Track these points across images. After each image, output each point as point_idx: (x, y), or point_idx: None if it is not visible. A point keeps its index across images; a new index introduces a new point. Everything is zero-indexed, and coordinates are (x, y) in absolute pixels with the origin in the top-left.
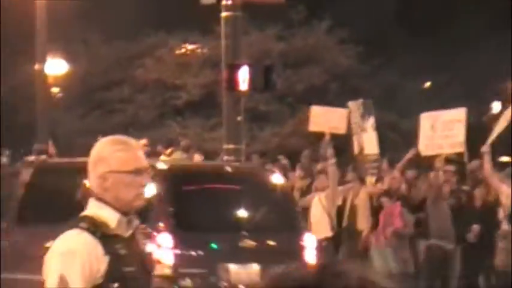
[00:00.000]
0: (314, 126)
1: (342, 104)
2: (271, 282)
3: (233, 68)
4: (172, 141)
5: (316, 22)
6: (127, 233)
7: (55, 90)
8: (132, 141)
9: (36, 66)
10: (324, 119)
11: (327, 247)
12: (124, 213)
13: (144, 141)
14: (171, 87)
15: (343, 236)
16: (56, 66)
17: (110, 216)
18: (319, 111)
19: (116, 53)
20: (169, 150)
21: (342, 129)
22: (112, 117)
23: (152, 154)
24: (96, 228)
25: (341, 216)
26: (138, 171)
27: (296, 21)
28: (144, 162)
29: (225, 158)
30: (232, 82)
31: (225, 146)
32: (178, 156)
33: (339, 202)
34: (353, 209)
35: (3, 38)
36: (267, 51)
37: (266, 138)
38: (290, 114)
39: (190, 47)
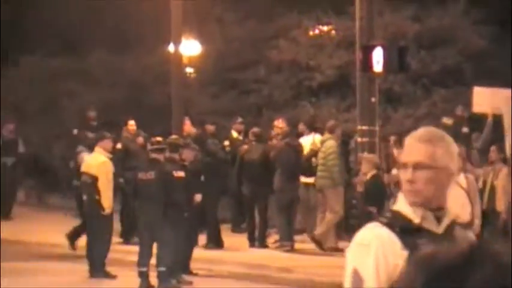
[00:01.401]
0: (477, 107)
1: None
2: (421, 261)
3: (367, 49)
4: (307, 121)
5: (451, 2)
6: (438, 229)
7: (189, 70)
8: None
9: (171, 47)
10: (487, 99)
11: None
12: (430, 209)
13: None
14: (305, 68)
15: (483, 218)
16: (190, 47)
17: (411, 211)
18: (482, 91)
19: (250, 34)
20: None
21: (506, 111)
22: (246, 97)
23: (294, 134)
24: (396, 222)
25: (481, 198)
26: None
27: (431, 2)
28: (408, 155)
29: (359, 139)
30: (367, 63)
31: (359, 127)
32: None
33: (480, 184)
34: (493, 190)
35: (138, 20)
36: (401, 32)
37: (400, 120)
38: (424, 96)
39: (324, 28)
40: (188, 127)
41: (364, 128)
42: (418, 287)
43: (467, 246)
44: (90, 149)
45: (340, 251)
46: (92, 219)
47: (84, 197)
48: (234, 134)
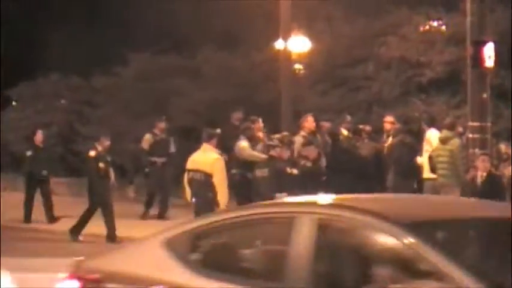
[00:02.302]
0: None
1: None
2: None
3: (478, 45)
4: (416, 118)
5: None
6: None
7: (298, 67)
8: None
9: (280, 44)
10: None
11: None
12: None
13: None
14: (414, 64)
15: None
16: (299, 44)
17: None
18: None
19: (359, 30)
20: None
21: None
22: (355, 94)
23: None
24: None
25: None
26: None
27: None
28: None
29: (470, 135)
30: (478, 59)
31: (470, 124)
32: (445, 134)
33: None
34: None
35: (247, 17)
36: None
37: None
38: None
39: (434, 23)
40: (310, 124)
41: (475, 124)
42: None
43: None
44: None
45: None
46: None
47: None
48: (344, 132)
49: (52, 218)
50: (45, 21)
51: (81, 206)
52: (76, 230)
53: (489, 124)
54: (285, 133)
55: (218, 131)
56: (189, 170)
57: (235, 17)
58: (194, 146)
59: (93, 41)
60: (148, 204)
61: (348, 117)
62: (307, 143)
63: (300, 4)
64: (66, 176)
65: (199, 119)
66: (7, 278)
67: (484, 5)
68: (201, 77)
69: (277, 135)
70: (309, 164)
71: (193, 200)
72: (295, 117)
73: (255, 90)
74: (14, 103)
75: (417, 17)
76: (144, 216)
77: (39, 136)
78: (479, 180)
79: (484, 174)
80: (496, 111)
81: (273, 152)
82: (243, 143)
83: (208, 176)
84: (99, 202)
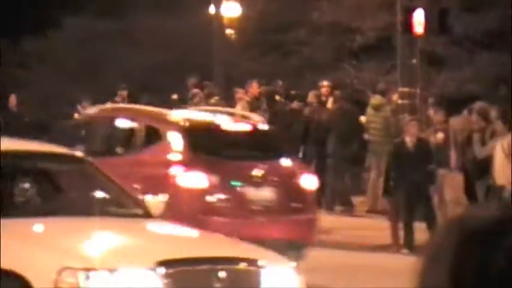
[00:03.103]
0: None
1: None
2: (455, 221)
3: (408, 11)
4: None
5: None
6: None
7: (230, 32)
8: None
9: (212, 9)
10: None
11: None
12: None
13: None
14: (346, 29)
15: None
16: (230, 9)
17: None
18: None
19: None
20: None
21: None
22: (287, 59)
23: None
24: None
25: None
26: None
27: None
28: None
29: (400, 101)
30: (408, 25)
31: (400, 89)
32: (378, 101)
33: None
34: None
35: None
36: None
37: (442, 83)
38: (468, 59)
39: None
40: (255, 89)
41: (404, 89)
42: (448, 249)
43: (501, 210)
44: None
45: None
46: None
47: None
48: (277, 97)
49: None
50: None
51: None
52: None
53: (418, 90)
54: (217, 97)
55: (175, 96)
56: None
57: None
58: None
59: (24, 3)
60: None
61: (280, 82)
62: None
63: None
64: None
65: (133, 83)
66: None
67: None
68: (134, 41)
69: (212, 100)
70: None
71: None
72: (228, 83)
73: (187, 55)
74: None
75: None
76: None
77: (12, 100)
78: (408, 145)
79: (414, 139)
80: (426, 77)
81: None
82: None
83: None
84: None
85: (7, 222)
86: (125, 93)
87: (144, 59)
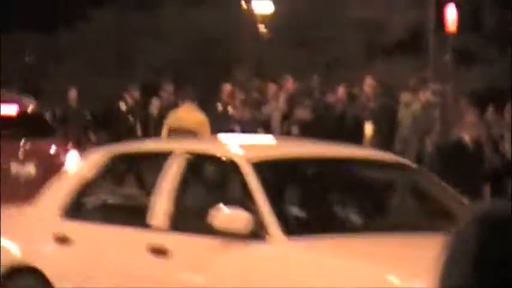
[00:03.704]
0: None
1: None
2: (476, 214)
3: (441, 8)
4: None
5: None
6: None
7: (261, 27)
8: None
9: (244, 5)
10: None
11: None
12: None
13: None
14: (378, 26)
15: None
16: (263, 5)
17: None
18: None
19: None
20: None
21: None
22: (318, 56)
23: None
24: None
25: None
26: None
27: None
28: None
29: (431, 98)
30: (440, 22)
31: (431, 86)
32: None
33: None
34: None
35: None
36: None
37: (474, 79)
38: (500, 55)
39: None
40: (291, 85)
41: (436, 86)
42: (471, 241)
43: None
44: None
45: None
46: None
47: None
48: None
49: None
50: None
51: None
52: None
53: (450, 86)
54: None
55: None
56: (173, 129)
57: None
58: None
59: None
60: None
61: (316, 78)
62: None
63: None
64: None
65: (162, 75)
66: None
67: None
68: (165, 35)
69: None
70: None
71: None
72: (257, 77)
73: (217, 49)
74: None
75: None
76: None
77: (72, 94)
78: (467, 143)
79: (472, 137)
80: (457, 74)
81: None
82: None
83: (194, 135)
84: None
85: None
86: (170, 87)
87: (175, 53)
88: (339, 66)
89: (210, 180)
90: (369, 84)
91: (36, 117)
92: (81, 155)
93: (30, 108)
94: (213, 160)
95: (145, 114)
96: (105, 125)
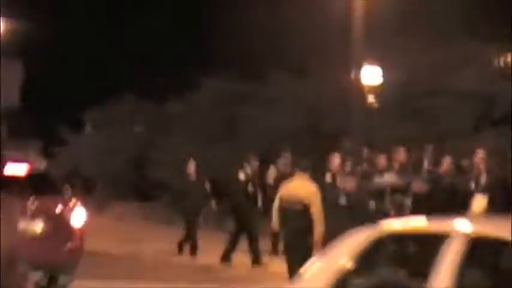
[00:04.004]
0: None
1: None
2: None
3: None
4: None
5: None
6: None
7: (370, 98)
8: None
9: (353, 74)
10: None
11: None
12: None
13: None
14: (487, 97)
15: None
16: (372, 75)
17: None
18: None
19: (433, 62)
20: None
21: None
22: (429, 125)
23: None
24: None
25: None
26: None
27: None
28: None
29: None
30: None
31: None
32: None
33: None
34: None
35: (318, 46)
36: None
37: None
38: None
39: (508, 58)
40: (402, 156)
41: None
42: None
43: None
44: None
45: None
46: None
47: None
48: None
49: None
50: (120, 47)
51: (150, 230)
52: (226, 256)
53: None
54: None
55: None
56: (284, 200)
57: (307, 45)
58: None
59: (166, 65)
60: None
61: (430, 148)
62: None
63: (373, 35)
64: (137, 201)
65: (270, 145)
66: None
67: None
68: (271, 103)
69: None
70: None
71: (282, 229)
72: (366, 147)
73: (324, 119)
74: (88, 128)
75: (492, 50)
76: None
77: (191, 167)
78: None
79: None
80: None
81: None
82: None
83: (305, 207)
84: (245, 226)
85: None
86: (288, 157)
87: (281, 122)
88: (448, 137)
89: (497, 268)
90: (480, 156)
91: (44, 176)
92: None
93: (38, 168)
94: (502, 245)
95: (262, 183)
96: (223, 194)
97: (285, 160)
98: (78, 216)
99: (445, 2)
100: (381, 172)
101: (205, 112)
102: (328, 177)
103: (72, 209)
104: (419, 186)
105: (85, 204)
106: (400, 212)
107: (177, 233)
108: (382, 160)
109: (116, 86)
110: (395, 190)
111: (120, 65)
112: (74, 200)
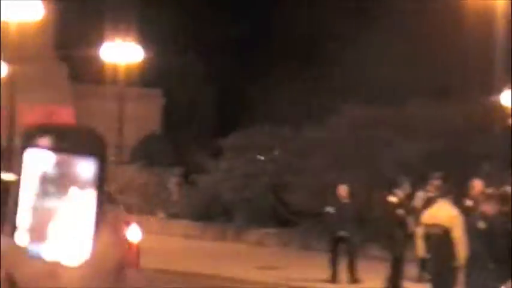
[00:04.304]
0: None
1: None
2: None
3: None
4: None
5: None
6: None
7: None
8: None
9: (495, 97)
10: None
11: None
12: None
13: None
14: None
15: None
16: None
17: None
18: None
19: None
20: None
21: None
22: None
23: None
24: None
25: None
26: None
27: None
28: None
29: None
30: None
31: None
32: None
33: None
34: None
35: (460, 69)
36: None
37: None
38: None
39: None
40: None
41: None
42: None
43: None
44: None
45: None
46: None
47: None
48: None
49: (353, 279)
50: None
51: (290, 257)
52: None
53: None
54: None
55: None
56: (427, 225)
57: (447, 67)
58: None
59: (303, 92)
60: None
61: None
62: None
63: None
64: (275, 227)
65: (410, 171)
66: None
67: None
68: (410, 128)
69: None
70: None
71: (428, 255)
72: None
73: (467, 143)
74: (227, 154)
75: None
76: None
77: (342, 191)
78: None
79: None
80: None
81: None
82: None
83: (447, 231)
84: (398, 251)
85: None
86: (437, 182)
87: (421, 147)
88: None
89: None
90: None
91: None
92: None
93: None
94: None
95: (411, 207)
96: (366, 219)
97: (434, 185)
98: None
99: None
100: None
101: (343, 137)
102: (468, 202)
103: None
104: None
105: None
106: None
107: (316, 258)
108: None
109: (254, 114)
110: None
111: (258, 93)
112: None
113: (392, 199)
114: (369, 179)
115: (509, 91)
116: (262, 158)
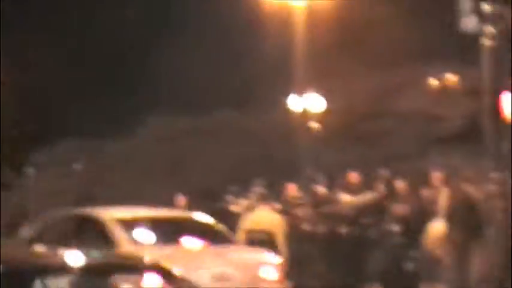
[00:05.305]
0: None
1: None
2: None
3: (495, 96)
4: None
5: None
6: None
7: (313, 125)
8: None
9: (293, 102)
10: None
11: None
12: None
13: None
14: (431, 118)
15: None
16: (314, 101)
17: None
18: None
19: (375, 85)
20: None
21: None
22: (373, 149)
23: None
24: None
25: None
26: None
27: None
28: None
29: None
30: (495, 110)
31: (491, 175)
32: None
33: None
34: None
35: (260, 74)
36: None
37: None
38: None
39: (450, 77)
40: (355, 179)
41: (495, 175)
42: None
43: None
44: None
45: None
46: None
47: None
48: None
49: None
50: (62, 87)
51: None
52: None
53: (510, 175)
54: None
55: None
56: (250, 230)
57: (247, 76)
58: (213, 206)
59: (108, 103)
60: None
61: (383, 171)
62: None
63: (313, 60)
64: None
65: (220, 179)
66: None
67: (500, 57)
68: (214, 137)
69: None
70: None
71: None
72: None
73: (272, 150)
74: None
75: (433, 70)
76: None
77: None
78: None
79: None
80: None
81: None
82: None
83: (271, 236)
84: None
85: None
86: (259, 189)
87: (225, 155)
88: (395, 159)
89: None
90: (436, 177)
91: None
92: None
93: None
94: None
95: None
96: None
97: (255, 192)
98: None
99: (383, 27)
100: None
101: (150, 148)
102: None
103: None
104: (401, 209)
105: None
106: None
107: None
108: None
109: (58, 128)
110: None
111: (61, 107)
112: None
113: (235, 208)
114: (177, 188)
115: (310, 95)
116: (67, 172)
